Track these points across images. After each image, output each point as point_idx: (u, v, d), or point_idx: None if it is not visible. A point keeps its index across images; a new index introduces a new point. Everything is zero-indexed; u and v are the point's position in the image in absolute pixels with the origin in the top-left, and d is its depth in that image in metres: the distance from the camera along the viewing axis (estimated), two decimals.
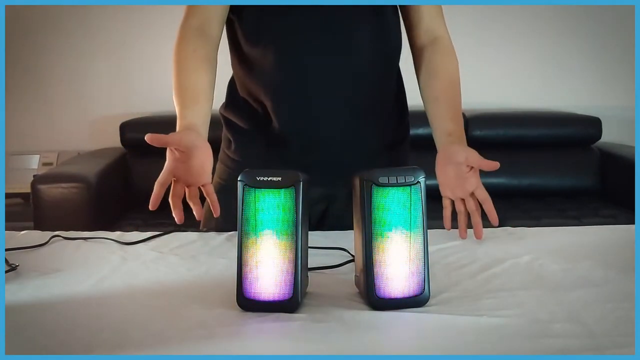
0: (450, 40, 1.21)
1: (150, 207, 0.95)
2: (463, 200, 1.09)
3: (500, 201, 2.66)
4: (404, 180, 0.75)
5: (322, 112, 1.14)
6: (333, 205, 1.23)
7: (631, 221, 2.33)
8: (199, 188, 1.02)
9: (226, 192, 1.22)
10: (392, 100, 1.23)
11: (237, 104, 1.22)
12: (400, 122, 1.26)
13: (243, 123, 1.21)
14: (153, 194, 0.95)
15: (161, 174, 0.97)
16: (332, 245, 1.03)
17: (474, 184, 1.07)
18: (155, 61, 2.98)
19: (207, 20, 1.12)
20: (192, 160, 0.98)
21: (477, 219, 1.07)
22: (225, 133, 1.27)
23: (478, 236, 1.06)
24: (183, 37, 1.11)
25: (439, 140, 1.12)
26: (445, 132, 1.11)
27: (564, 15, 3.04)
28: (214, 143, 1.26)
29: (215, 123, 1.12)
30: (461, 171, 1.06)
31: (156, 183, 0.96)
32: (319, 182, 1.02)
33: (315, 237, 1.06)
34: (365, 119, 1.17)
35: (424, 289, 0.76)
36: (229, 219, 1.19)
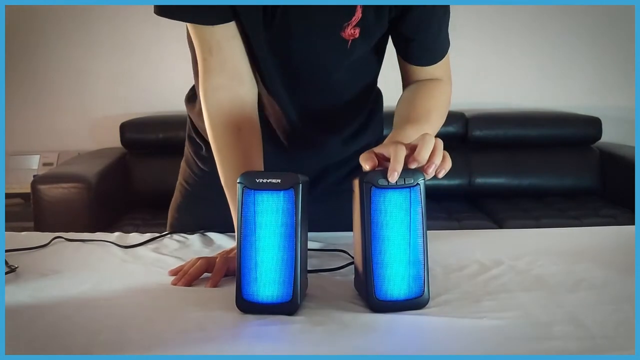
0: (450, 80, 1.07)
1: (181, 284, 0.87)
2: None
3: (500, 201, 2.68)
4: (403, 183, 0.75)
5: (301, 138, 1.09)
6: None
7: (631, 221, 2.34)
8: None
9: (191, 199, 1.20)
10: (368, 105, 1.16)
11: None
12: (372, 119, 1.18)
13: None
14: (189, 276, 0.87)
15: (204, 263, 0.90)
16: (332, 248, 1.03)
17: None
18: (155, 61, 2.98)
19: (230, 57, 0.95)
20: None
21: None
22: (192, 133, 1.19)
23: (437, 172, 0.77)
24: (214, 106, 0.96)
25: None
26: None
27: (564, 15, 3.04)
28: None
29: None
30: None
31: (194, 269, 0.89)
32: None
33: (315, 239, 1.06)
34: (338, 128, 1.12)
35: (424, 291, 0.76)
36: (195, 223, 1.19)
